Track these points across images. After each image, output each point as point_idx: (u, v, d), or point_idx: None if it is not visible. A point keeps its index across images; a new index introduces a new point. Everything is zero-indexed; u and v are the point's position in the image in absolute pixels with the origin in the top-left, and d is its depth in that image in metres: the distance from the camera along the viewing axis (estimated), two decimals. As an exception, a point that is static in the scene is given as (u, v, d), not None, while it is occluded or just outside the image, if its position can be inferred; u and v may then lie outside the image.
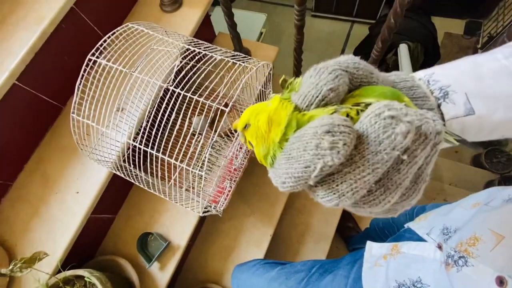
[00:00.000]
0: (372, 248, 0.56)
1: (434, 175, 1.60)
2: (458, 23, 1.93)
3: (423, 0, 1.62)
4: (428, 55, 1.59)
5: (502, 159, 1.57)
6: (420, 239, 0.50)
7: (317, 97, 0.21)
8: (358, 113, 0.19)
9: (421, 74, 0.27)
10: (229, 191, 0.76)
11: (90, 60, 0.55)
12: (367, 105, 0.20)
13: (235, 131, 0.76)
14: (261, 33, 1.86)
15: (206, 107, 0.50)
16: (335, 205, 0.18)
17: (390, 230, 0.82)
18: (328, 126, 0.17)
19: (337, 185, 0.18)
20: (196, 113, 0.55)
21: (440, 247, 0.44)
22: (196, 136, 0.61)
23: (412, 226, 0.54)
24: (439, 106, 0.24)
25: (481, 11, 1.80)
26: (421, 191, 0.19)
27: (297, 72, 0.98)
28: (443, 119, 0.24)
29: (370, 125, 0.18)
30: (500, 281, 0.33)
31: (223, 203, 0.73)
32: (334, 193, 0.18)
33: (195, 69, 0.54)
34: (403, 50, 1.44)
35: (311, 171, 0.17)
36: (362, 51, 1.73)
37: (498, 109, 0.24)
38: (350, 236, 1.21)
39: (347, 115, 0.19)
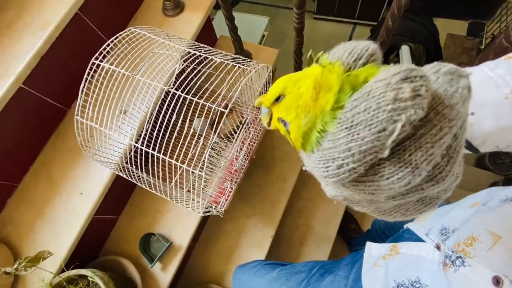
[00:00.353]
0: (372, 249, 0.56)
1: (437, 176, 1.58)
2: (461, 24, 1.92)
3: (425, 1, 1.62)
4: (430, 56, 1.59)
5: (506, 160, 1.56)
6: (419, 239, 0.50)
7: (367, 50, 0.18)
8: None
9: None
10: (230, 192, 0.77)
11: (93, 63, 0.56)
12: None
13: (235, 132, 0.76)
14: (263, 36, 1.87)
15: (206, 109, 0.51)
16: (405, 184, 0.15)
17: (391, 231, 0.82)
18: (403, 72, 0.14)
19: (410, 155, 0.15)
20: (196, 115, 0.56)
21: (438, 247, 0.44)
22: (196, 137, 0.62)
23: (411, 227, 0.55)
24: None
25: (484, 12, 1.80)
26: (454, 172, 0.17)
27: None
28: None
29: (432, 82, 0.15)
30: (497, 280, 0.33)
31: (224, 204, 0.73)
32: (407, 167, 0.15)
33: (195, 71, 0.56)
34: (404, 52, 1.44)
35: (387, 135, 0.14)
36: (364, 52, 1.73)
37: (488, 117, 0.24)
38: (352, 237, 1.21)
39: None
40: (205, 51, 0.62)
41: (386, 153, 0.15)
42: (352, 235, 1.21)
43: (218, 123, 0.82)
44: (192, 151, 0.57)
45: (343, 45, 0.19)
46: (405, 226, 0.58)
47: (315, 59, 0.21)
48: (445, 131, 0.15)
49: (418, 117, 0.14)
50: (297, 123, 0.18)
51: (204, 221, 1.07)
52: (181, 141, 0.56)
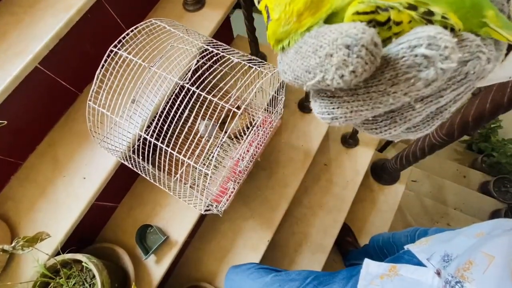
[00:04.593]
0: (370, 266, 0.55)
1: (439, 198, 1.57)
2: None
3: None
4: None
5: (511, 188, 1.54)
6: (419, 263, 0.49)
7: None
8: (410, 22, 0.14)
9: None
10: (232, 192, 0.77)
11: (111, 51, 0.56)
12: (427, 13, 0.14)
13: (244, 132, 0.76)
14: (278, 39, 1.87)
15: (219, 107, 0.51)
16: (327, 123, 0.17)
17: (390, 250, 0.81)
18: (351, 39, 0.13)
19: (333, 108, 0.16)
20: (209, 112, 0.56)
21: (438, 273, 0.43)
22: (206, 136, 0.62)
23: (412, 249, 0.54)
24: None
25: None
26: (434, 127, 0.17)
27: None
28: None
29: (395, 57, 0.14)
30: None
31: (225, 204, 0.73)
32: (328, 114, 0.16)
33: (211, 69, 0.55)
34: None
35: (308, 78, 0.15)
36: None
37: None
38: (348, 250, 1.20)
39: (395, 24, 0.14)
40: (222, 49, 0.62)
41: (305, 89, 0.16)
42: (348, 248, 1.20)
43: (229, 123, 0.81)
44: (199, 148, 0.57)
45: None
46: (405, 247, 0.57)
47: None
48: (364, 108, 0.15)
49: (333, 85, 0.14)
50: (275, 26, 0.18)
51: (202, 219, 1.07)
52: (190, 137, 0.56)
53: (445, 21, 0.14)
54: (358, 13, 0.14)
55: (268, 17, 0.19)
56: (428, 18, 0.14)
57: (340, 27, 0.14)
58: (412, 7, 0.14)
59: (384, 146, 1.62)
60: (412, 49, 0.13)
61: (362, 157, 1.22)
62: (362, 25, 0.13)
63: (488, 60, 0.14)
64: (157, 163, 0.75)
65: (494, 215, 1.47)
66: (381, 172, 1.26)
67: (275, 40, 0.18)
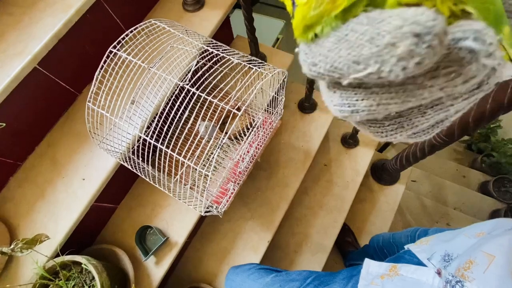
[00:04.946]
0: (370, 266, 0.55)
1: (439, 198, 1.57)
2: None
3: None
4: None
5: (510, 188, 1.54)
6: (419, 263, 0.49)
7: None
8: (450, 16, 0.14)
9: None
10: (232, 193, 0.76)
11: (111, 52, 0.56)
12: (464, 12, 0.14)
13: (244, 133, 0.76)
14: (277, 39, 1.87)
15: (220, 108, 0.51)
16: (343, 117, 0.16)
17: (390, 250, 0.81)
18: (421, 27, 0.12)
19: (357, 100, 0.15)
20: (209, 113, 0.56)
21: (439, 273, 0.43)
22: (206, 138, 0.62)
23: (412, 249, 0.54)
24: None
25: None
26: (433, 135, 0.17)
27: (311, 82, 0.99)
28: None
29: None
30: None
31: (225, 205, 0.73)
32: (349, 106, 0.15)
33: (211, 70, 0.55)
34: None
35: (355, 70, 0.13)
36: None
37: None
38: (348, 251, 1.20)
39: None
40: (222, 50, 0.62)
41: (344, 83, 0.14)
42: (348, 248, 1.20)
43: (229, 124, 0.81)
44: (199, 149, 0.57)
45: None
46: (406, 247, 0.57)
47: None
48: (394, 102, 0.14)
49: (389, 77, 0.13)
50: (303, 11, 0.16)
51: (202, 219, 1.07)
52: (190, 138, 0.56)
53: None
54: None
55: (293, 4, 0.17)
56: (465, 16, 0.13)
57: (403, 12, 0.12)
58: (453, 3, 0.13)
59: (384, 146, 1.62)
60: (456, 41, 0.13)
61: (362, 157, 1.22)
62: (431, 11, 0.12)
63: (500, 73, 0.14)
64: (156, 164, 0.75)
65: (494, 215, 1.47)
66: (381, 172, 1.26)
67: (304, 26, 0.16)
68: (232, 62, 0.58)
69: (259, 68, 0.60)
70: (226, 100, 0.53)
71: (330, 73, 0.14)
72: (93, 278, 0.66)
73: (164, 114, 0.57)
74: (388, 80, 0.13)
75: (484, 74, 0.13)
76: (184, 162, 0.55)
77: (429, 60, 0.12)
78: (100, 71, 0.57)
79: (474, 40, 0.12)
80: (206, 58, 0.60)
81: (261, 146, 0.81)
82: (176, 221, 0.89)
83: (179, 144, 0.55)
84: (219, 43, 0.65)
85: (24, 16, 0.71)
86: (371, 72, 0.13)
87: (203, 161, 0.67)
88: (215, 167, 0.82)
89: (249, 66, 0.59)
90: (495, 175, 1.59)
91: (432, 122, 0.15)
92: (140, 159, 0.66)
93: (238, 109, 0.52)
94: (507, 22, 0.16)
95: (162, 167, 0.60)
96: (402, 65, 0.12)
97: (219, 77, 0.53)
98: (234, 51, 0.64)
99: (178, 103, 0.54)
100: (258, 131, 0.75)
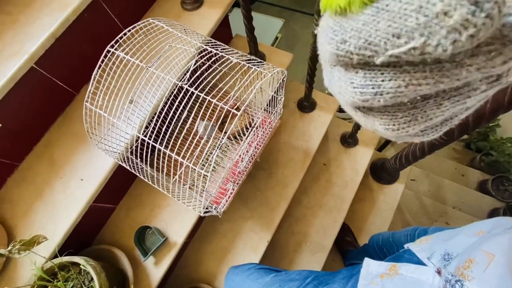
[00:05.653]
0: (370, 265, 0.55)
1: (438, 196, 1.58)
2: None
3: None
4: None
5: (509, 187, 1.55)
6: (419, 262, 0.49)
7: None
8: None
9: None
10: (231, 193, 0.76)
11: (108, 51, 0.56)
12: None
13: (243, 133, 0.76)
14: (276, 38, 1.87)
15: (219, 108, 0.50)
16: (364, 100, 0.14)
17: (389, 249, 0.81)
18: None
19: (383, 80, 0.13)
20: (208, 113, 0.56)
21: (439, 272, 0.43)
22: (205, 138, 0.62)
23: (412, 248, 0.54)
24: None
25: None
26: (441, 133, 0.16)
27: (310, 81, 0.98)
28: None
29: None
30: None
31: (224, 205, 0.73)
32: (373, 88, 0.14)
33: (210, 69, 0.55)
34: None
35: (393, 45, 0.12)
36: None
37: None
38: (348, 250, 1.20)
39: None
40: (221, 49, 0.61)
41: (378, 61, 0.13)
42: (348, 247, 1.20)
43: (229, 123, 0.81)
44: (198, 149, 0.57)
45: None
46: (405, 246, 0.57)
47: None
48: (425, 83, 0.13)
49: (438, 53, 0.11)
50: None
51: (201, 219, 1.06)
52: (189, 138, 0.56)
53: None
54: None
55: None
56: None
57: None
58: None
59: (383, 145, 1.62)
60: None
61: (362, 156, 1.22)
62: None
63: None
64: (155, 164, 0.75)
65: (493, 213, 1.48)
66: (381, 172, 1.26)
67: None
68: (231, 61, 0.58)
69: (258, 67, 0.59)
70: (225, 99, 0.52)
71: (362, 51, 0.13)
72: (92, 279, 0.66)
73: (163, 114, 0.57)
74: (428, 57, 0.12)
75: None
76: (183, 162, 0.54)
77: (484, 33, 0.11)
78: (98, 71, 0.56)
79: None
80: (205, 57, 0.59)
81: (260, 145, 0.81)
82: (176, 221, 0.88)
83: (178, 144, 0.55)
84: (218, 42, 0.65)
85: (20, 16, 0.70)
86: (414, 46, 0.11)
87: (202, 161, 0.66)
88: (214, 167, 0.82)
89: (248, 66, 0.59)
90: (494, 174, 1.59)
91: (446, 115, 0.14)
92: (139, 159, 0.65)
93: (237, 109, 0.51)
94: None
95: (160, 167, 0.59)
96: (452, 38, 0.11)
97: (218, 76, 0.52)
98: (233, 50, 0.64)
99: (176, 102, 0.53)
100: (258, 130, 0.74)
